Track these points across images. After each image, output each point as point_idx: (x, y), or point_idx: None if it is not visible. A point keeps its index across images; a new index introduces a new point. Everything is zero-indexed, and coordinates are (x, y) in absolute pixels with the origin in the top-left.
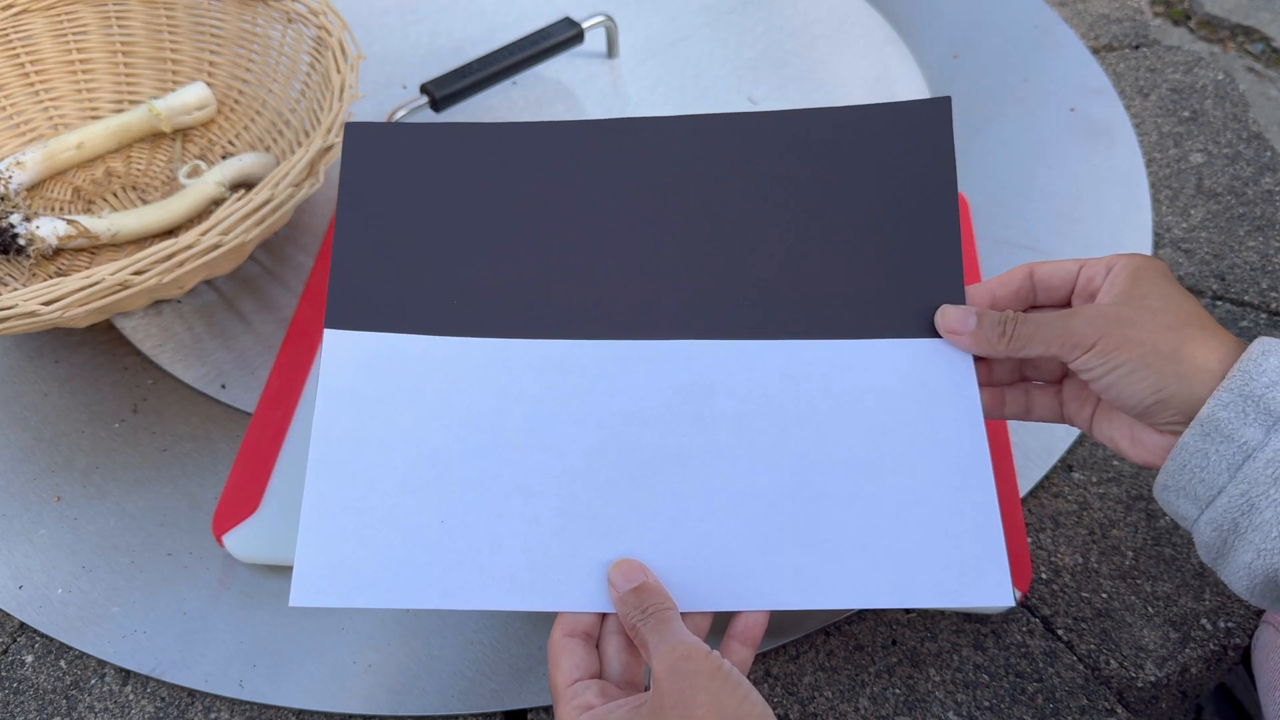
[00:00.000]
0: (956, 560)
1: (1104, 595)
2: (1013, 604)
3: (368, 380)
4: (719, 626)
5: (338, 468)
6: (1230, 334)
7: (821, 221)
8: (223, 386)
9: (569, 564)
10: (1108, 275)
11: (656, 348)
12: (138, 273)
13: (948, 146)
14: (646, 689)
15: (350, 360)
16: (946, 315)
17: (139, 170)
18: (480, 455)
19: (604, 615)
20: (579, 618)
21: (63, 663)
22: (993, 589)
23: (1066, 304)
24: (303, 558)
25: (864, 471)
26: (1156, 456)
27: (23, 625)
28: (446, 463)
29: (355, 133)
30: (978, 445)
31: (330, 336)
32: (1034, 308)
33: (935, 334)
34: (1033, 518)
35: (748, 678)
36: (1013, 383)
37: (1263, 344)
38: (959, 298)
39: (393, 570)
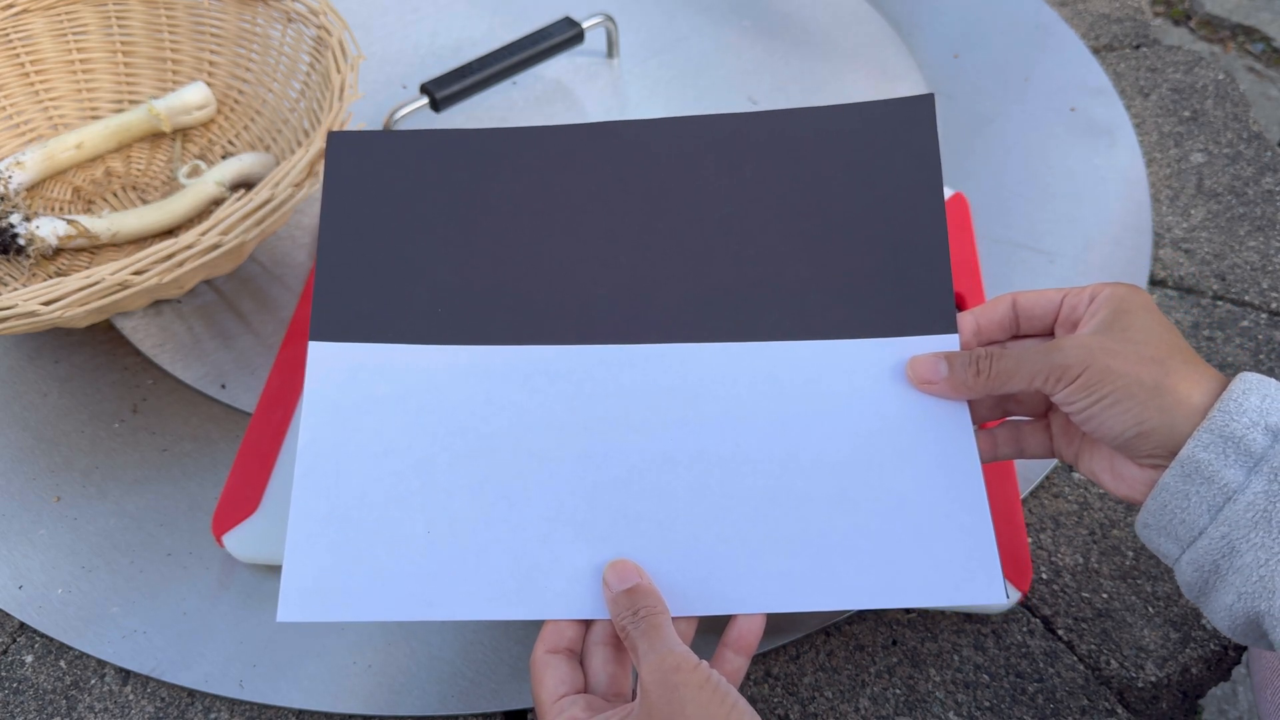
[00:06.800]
0: (947, 559)
1: (1104, 595)
2: (1005, 601)
3: (354, 392)
4: (708, 628)
5: (324, 482)
6: (1212, 368)
7: (806, 221)
8: (223, 386)
9: (556, 571)
10: (1090, 304)
11: (643, 352)
12: (138, 273)
13: (931, 143)
14: (633, 698)
15: (336, 372)
16: (915, 366)
17: (139, 170)
18: (466, 464)
19: (587, 629)
20: (561, 633)
21: (63, 663)
22: (984, 587)
23: (1050, 333)
24: (289, 574)
25: (852, 471)
26: (1136, 491)
27: (23, 625)
28: (432, 472)
29: (337, 142)
30: (966, 442)
31: (315, 349)
32: (1017, 337)
33: (921, 332)
34: (1033, 518)
35: (745, 682)
36: (998, 420)
37: (1244, 381)
38: (947, 294)
39: (380, 583)
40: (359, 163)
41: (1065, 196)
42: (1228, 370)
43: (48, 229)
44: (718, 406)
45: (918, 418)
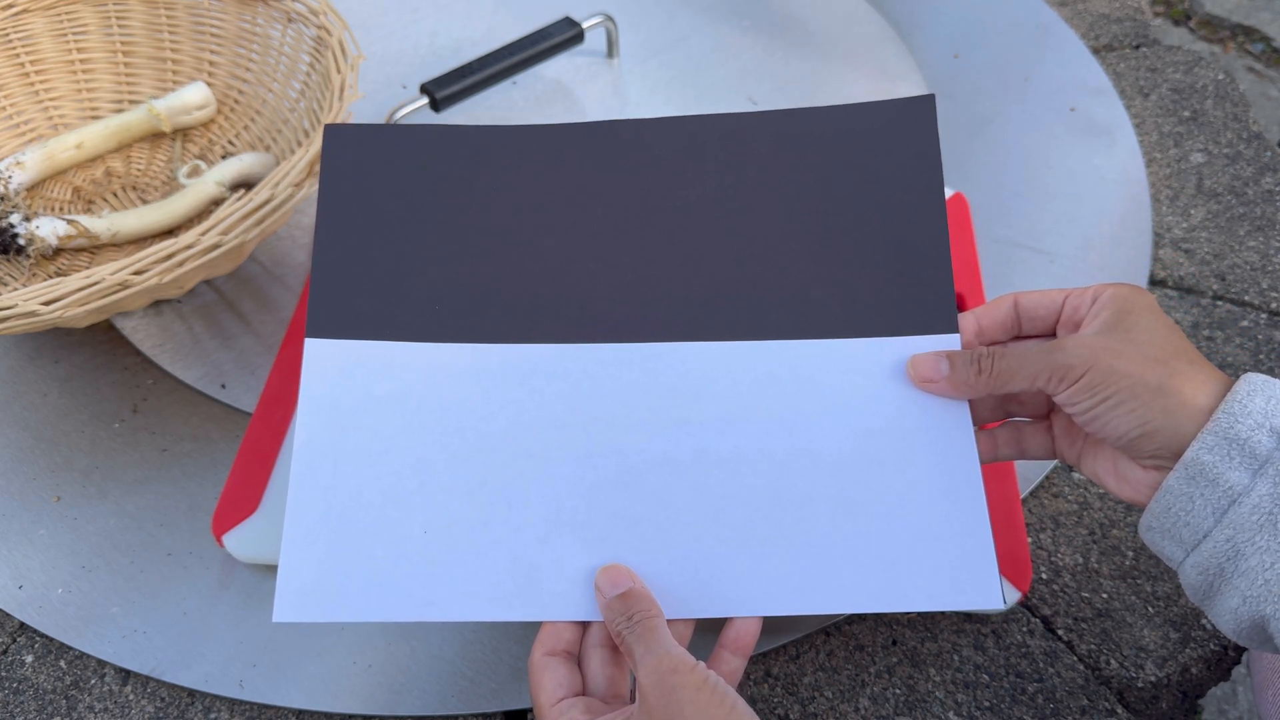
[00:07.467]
0: (945, 562)
1: (1104, 595)
2: (1003, 606)
3: (350, 390)
4: (705, 628)
5: (320, 481)
6: (1217, 369)
7: (807, 221)
8: (223, 386)
9: (554, 572)
10: (1092, 305)
11: (642, 350)
12: (138, 273)
13: (932, 144)
14: (631, 701)
15: (332, 369)
16: (916, 365)
17: (139, 170)
18: (464, 463)
19: (584, 631)
20: (559, 636)
21: (63, 663)
22: (982, 591)
23: (1052, 333)
24: (286, 573)
25: (852, 472)
26: (1140, 493)
27: (23, 625)
28: (430, 472)
29: (334, 135)
30: (966, 443)
31: (311, 346)
32: (1019, 338)
33: (922, 331)
34: (1033, 518)
35: (744, 682)
36: (999, 421)
37: (1249, 382)
38: (948, 293)
39: (377, 583)
40: (356, 157)
41: (1065, 196)
42: (1227, 371)
43: (48, 229)
44: (717, 406)
45: (918, 418)
